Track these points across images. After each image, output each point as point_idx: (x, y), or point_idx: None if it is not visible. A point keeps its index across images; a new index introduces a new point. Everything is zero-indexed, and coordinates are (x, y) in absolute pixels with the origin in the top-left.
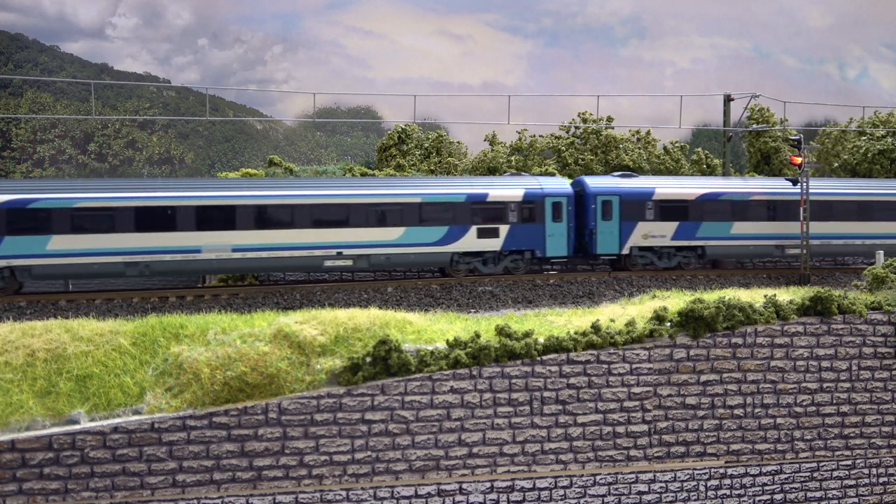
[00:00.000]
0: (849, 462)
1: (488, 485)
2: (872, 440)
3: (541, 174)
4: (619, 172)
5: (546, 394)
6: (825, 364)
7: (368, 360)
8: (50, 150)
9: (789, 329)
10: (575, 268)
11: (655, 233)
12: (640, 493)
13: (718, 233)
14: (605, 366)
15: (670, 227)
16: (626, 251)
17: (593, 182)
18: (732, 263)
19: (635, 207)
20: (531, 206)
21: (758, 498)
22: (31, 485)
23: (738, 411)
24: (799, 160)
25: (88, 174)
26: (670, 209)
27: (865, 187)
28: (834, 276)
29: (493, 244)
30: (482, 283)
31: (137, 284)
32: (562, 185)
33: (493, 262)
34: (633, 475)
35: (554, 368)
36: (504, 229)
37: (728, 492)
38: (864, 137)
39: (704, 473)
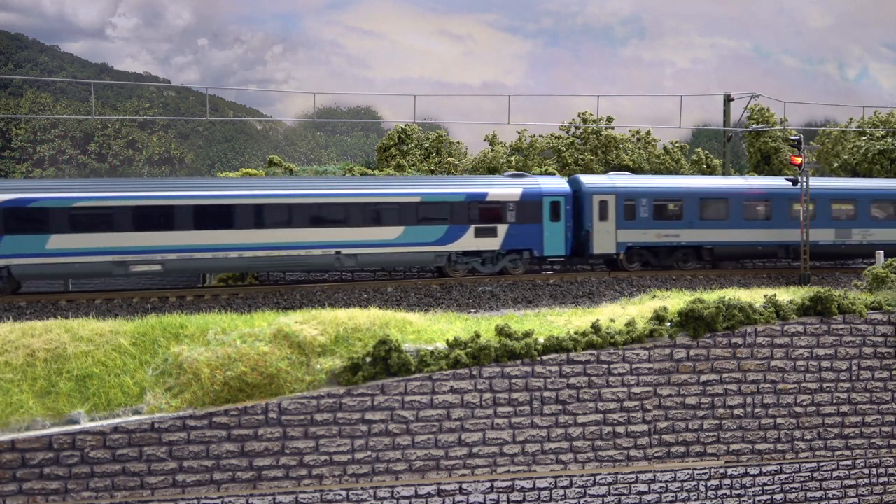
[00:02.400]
0: (849, 462)
1: (488, 485)
2: (872, 440)
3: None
4: None
5: (546, 394)
6: (825, 364)
7: (368, 360)
8: (50, 150)
9: (789, 329)
10: (574, 268)
11: None
12: (640, 493)
13: (30, 249)
14: (605, 366)
15: None
16: None
17: None
18: (731, 264)
19: None
20: None
21: (758, 498)
22: (31, 485)
23: (738, 411)
24: (799, 160)
25: (88, 174)
26: None
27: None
28: (834, 276)
29: None
30: (482, 283)
31: (138, 284)
32: None
33: None
34: (633, 475)
35: (554, 368)
36: None
37: (728, 492)
38: (864, 137)
39: (704, 473)
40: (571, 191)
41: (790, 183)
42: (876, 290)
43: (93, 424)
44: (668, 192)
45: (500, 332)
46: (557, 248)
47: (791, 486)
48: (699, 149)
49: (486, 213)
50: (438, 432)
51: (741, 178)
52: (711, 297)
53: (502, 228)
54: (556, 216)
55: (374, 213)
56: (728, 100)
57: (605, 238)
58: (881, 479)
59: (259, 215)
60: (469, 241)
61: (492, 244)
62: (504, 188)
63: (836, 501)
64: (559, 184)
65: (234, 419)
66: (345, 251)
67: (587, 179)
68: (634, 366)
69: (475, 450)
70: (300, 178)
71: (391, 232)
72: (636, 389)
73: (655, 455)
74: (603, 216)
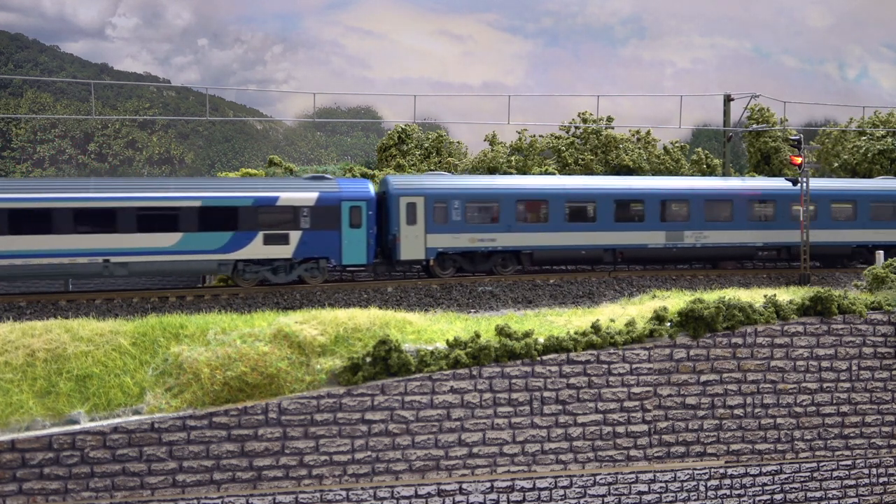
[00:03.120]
0: (849, 462)
1: (488, 485)
2: (872, 440)
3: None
4: None
5: (546, 394)
6: (825, 364)
7: (368, 360)
8: (50, 150)
9: (789, 329)
10: (575, 268)
11: None
12: (640, 493)
13: None
14: (605, 366)
15: None
16: None
17: None
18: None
19: None
20: None
21: (758, 498)
22: (31, 485)
23: (738, 411)
24: (799, 160)
25: (88, 174)
26: None
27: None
28: (834, 276)
29: None
30: (482, 282)
31: (137, 284)
32: None
33: None
34: (633, 475)
35: (554, 368)
36: None
37: (728, 492)
38: (864, 137)
39: (704, 473)
40: (376, 194)
41: (635, 182)
42: (876, 290)
43: (93, 424)
44: (482, 194)
45: (500, 332)
46: (358, 257)
47: (791, 486)
48: (699, 149)
49: (276, 218)
50: (438, 432)
51: (567, 177)
52: (711, 297)
53: (295, 235)
54: (357, 222)
55: (146, 219)
56: (728, 100)
57: (414, 243)
58: (881, 479)
59: (12, 220)
60: (257, 249)
61: (283, 252)
62: (297, 192)
63: (836, 501)
64: (361, 187)
65: (234, 419)
66: (114, 259)
67: (395, 180)
68: (634, 366)
69: (475, 450)
70: (64, 179)
71: (167, 239)
72: (636, 389)
73: (655, 455)
74: (411, 220)
